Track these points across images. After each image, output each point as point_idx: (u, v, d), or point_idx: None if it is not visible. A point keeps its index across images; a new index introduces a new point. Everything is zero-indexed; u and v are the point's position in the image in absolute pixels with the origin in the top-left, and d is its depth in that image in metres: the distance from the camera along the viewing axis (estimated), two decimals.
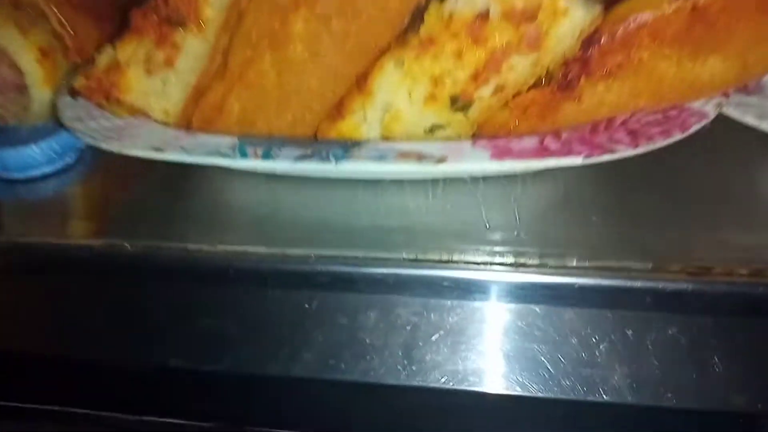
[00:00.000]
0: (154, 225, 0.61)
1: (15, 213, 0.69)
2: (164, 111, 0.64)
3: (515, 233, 0.53)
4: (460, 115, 0.58)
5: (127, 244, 0.59)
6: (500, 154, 0.52)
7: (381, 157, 0.53)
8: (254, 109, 0.63)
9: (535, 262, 0.51)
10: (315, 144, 0.58)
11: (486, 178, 0.58)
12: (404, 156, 0.53)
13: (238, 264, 0.56)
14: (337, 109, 0.62)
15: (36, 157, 0.72)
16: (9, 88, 0.77)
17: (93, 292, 0.61)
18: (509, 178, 0.58)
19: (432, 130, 0.59)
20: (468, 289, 0.52)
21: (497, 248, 0.52)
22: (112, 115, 0.65)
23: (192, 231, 0.59)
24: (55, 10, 0.75)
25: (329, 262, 0.54)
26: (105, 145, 0.59)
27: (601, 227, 0.54)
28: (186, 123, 0.65)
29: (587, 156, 0.50)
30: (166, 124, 0.64)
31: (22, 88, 0.77)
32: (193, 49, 0.62)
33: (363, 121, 0.61)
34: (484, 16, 0.54)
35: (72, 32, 0.76)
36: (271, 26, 0.59)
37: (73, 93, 0.66)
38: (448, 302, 0.53)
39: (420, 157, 0.52)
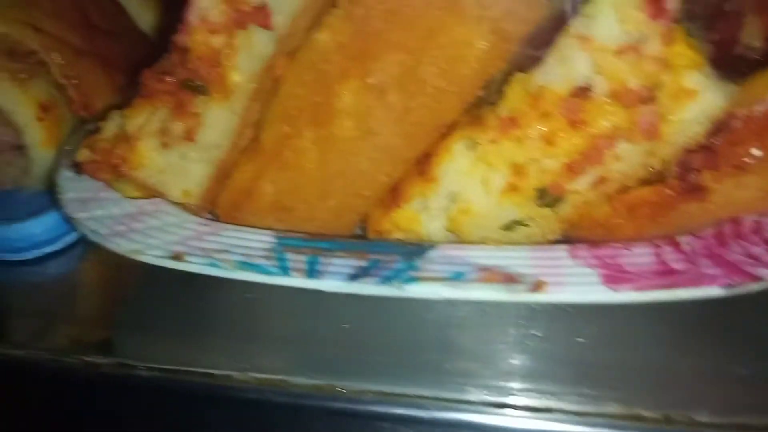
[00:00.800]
0: (172, 335, 0.49)
1: (4, 311, 0.57)
2: (184, 191, 0.52)
3: (623, 370, 0.41)
4: (547, 211, 0.45)
5: (141, 367, 0.47)
6: (614, 278, 0.39)
7: (457, 277, 0.40)
8: (291, 193, 0.51)
9: (656, 415, 0.39)
10: (368, 247, 0.46)
11: None
12: (487, 274, 0.41)
13: (275, 398, 0.44)
14: (392, 196, 0.50)
15: (36, 235, 0.60)
16: (5, 148, 0.64)
17: (97, 415, 0.49)
18: None
19: (510, 226, 0.46)
20: None
21: (597, 392, 0.40)
22: (121, 195, 0.52)
23: (218, 348, 0.47)
24: (58, 58, 0.63)
25: (391, 403, 0.42)
26: (113, 246, 0.46)
27: (736, 367, 0.41)
28: (210, 206, 0.53)
29: (728, 286, 0.38)
30: (185, 207, 0.52)
31: (20, 149, 0.65)
32: (217, 120, 0.50)
33: (423, 210, 0.49)
34: (583, 92, 0.41)
35: (77, 82, 0.64)
36: (313, 98, 0.47)
37: (76, 168, 0.53)
38: None
39: (509, 279, 0.40)
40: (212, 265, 0.44)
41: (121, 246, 0.46)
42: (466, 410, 0.41)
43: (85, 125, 0.62)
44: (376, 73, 0.45)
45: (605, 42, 0.40)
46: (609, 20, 0.39)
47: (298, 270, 0.43)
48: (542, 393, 0.41)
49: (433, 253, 0.44)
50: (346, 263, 0.43)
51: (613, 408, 0.40)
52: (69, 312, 0.55)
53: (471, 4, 0.41)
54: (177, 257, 0.44)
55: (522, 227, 0.47)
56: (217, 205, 0.53)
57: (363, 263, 0.43)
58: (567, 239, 0.46)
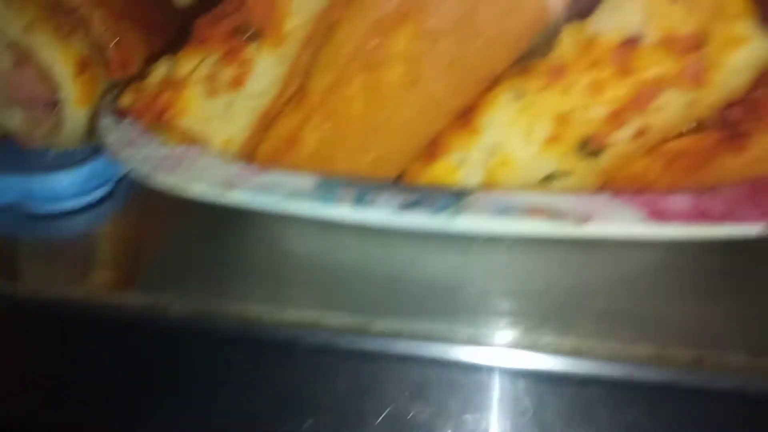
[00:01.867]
0: (204, 280, 0.48)
1: (36, 256, 0.55)
2: (226, 139, 0.51)
3: None
4: (587, 163, 0.45)
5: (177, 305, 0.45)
6: (658, 214, 0.39)
7: (504, 211, 0.40)
8: (333, 143, 0.50)
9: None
10: (413, 189, 0.45)
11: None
12: (534, 212, 0.40)
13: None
14: (431, 149, 0.49)
15: (67, 186, 0.59)
16: (38, 103, 0.63)
17: (123, 359, 0.48)
18: None
19: (549, 178, 0.46)
20: None
21: None
22: (163, 141, 0.51)
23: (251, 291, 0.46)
24: (101, 16, 0.63)
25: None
26: (160, 179, 0.46)
27: None
28: (249, 155, 0.53)
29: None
30: (225, 155, 0.51)
31: (54, 105, 0.64)
32: (267, 67, 0.49)
33: (462, 163, 0.48)
34: (634, 41, 0.42)
35: (117, 41, 0.64)
36: (367, 43, 0.47)
37: (119, 113, 0.53)
38: None
39: (555, 215, 0.40)
40: (260, 192, 0.43)
41: (168, 179, 0.46)
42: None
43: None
44: (432, 17, 0.45)
45: None
46: None
47: (345, 201, 0.42)
48: None
49: (479, 195, 0.43)
50: (395, 197, 0.43)
51: None
52: (102, 257, 0.54)
53: None
54: (228, 185, 0.44)
55: (560, 180, 0.47)
56: (255, 155, 0.53)
57: (411, 198, 0.43)
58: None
